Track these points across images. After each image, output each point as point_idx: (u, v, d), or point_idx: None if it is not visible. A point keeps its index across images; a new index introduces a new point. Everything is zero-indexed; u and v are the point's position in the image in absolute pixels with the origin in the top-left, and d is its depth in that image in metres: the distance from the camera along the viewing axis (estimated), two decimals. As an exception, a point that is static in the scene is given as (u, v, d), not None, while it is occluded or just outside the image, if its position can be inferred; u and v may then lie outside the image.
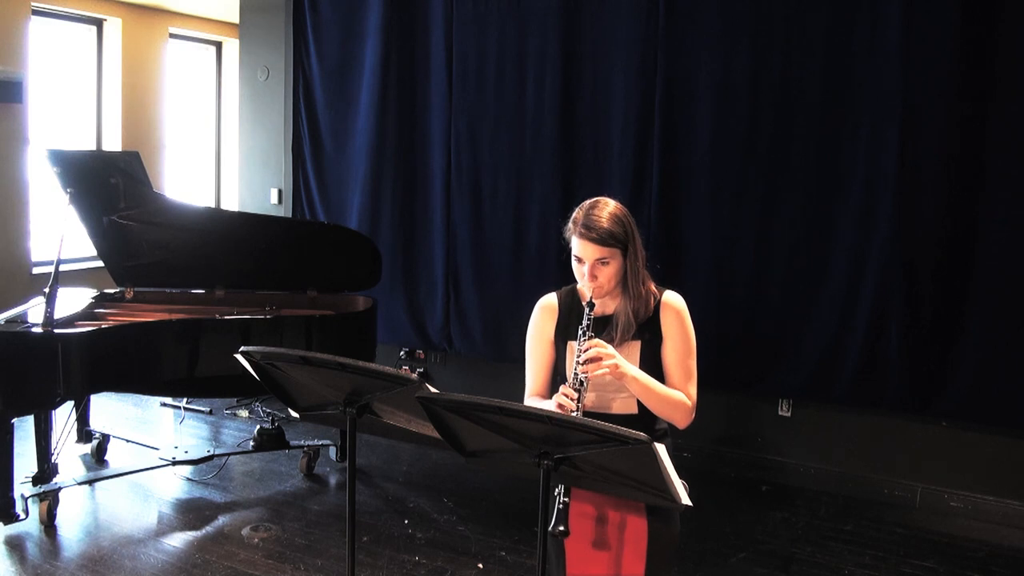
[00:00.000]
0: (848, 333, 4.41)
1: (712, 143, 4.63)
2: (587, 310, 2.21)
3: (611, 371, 2.12)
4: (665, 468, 1.74)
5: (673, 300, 2.28)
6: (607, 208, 2.24)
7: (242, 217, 5.08)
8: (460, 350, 5.52)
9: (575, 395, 2.12)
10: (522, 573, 3.66)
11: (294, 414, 2.43)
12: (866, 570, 3.79)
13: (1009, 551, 4.03)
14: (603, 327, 2.23)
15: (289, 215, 6.05)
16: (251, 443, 4.89)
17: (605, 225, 2.20)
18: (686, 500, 1.84)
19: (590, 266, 2.21)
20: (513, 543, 3.92)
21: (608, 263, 2.21)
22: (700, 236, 4.70)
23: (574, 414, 2.10)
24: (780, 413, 4.78)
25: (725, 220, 4.64)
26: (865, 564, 3.84)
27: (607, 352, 2.14)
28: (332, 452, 4.96)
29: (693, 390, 2.23)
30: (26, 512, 3.93)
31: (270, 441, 4.82)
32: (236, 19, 6.51)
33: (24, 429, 4.38)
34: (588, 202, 2.28)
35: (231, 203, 7.81)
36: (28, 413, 4.12)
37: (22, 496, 3.95)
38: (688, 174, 4.70)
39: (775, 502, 4.52)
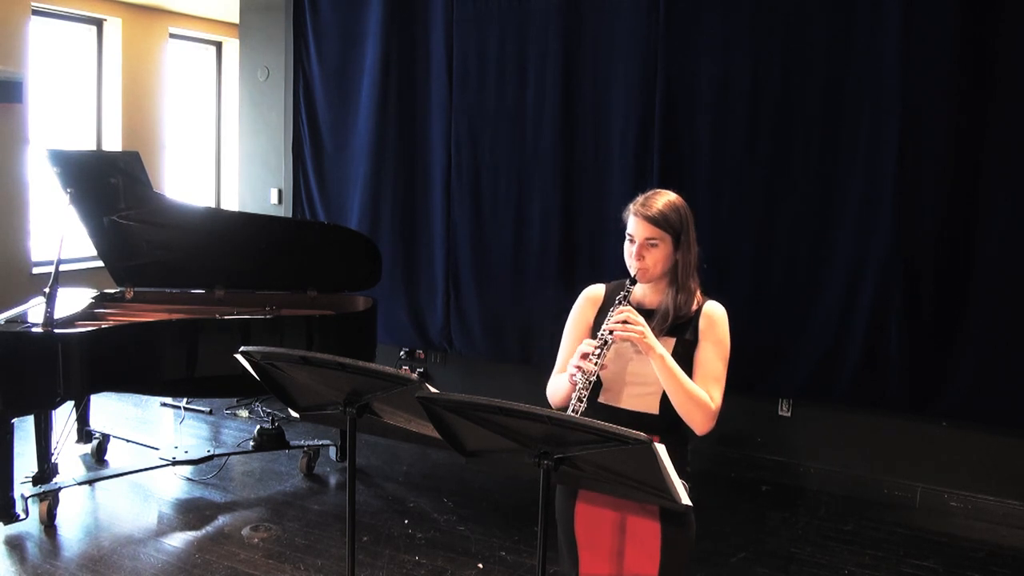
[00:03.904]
0: (848, 333, 4.41)
1: (712, 143, 4.63)
2: (628, 282, 2.23)
3: (638, 338, 2.12)
4: (665, 468, 1.74)
5: (715, 308, 2.28)
6: (667, 196, 2.28)
7: (242, 217, 5.09)
8: (460, 350, 5.52)
9: (597, 351, 2.12)
10: (522, 573, 3.66)
11: (294, 414, 2.43)
12: (866, 570, 3.79)
13: (1009, 551, 4.03)
14: (644, 319, 2.22)
15: (289, 215, 6.05)
16: (251, 443, 4.89)
17: (660, 208, 2.23)
18: (686, 500, 1.83)
19: (639, 246, 2.22)
20: (513, 543, 3.92)
21: (657, 245, 2.22)
22: (700, 235, 4.67)
23: (594, 365, 2.11)
24: (780, 413, 4.78)
25: (725, 220, 4.64)
26: (865, 564, 3.84)
27: (637, 319, 2.14)
28: (332, 452, 4.96)
29: (718, 396, 2.20)
30: (26, 512, 3.93)
31: (270, 441, 4.82)
32: (236, 19, 6.51)
33: (24, 429, 4.38)
34: (652, 190, 2.32)
35: (231, 203, 7.81)
36: (28, 413, 4.12)
37: (22, 496, 3.95)
38: (688, 174, 4.70)
39: (775, 502, 4.52)
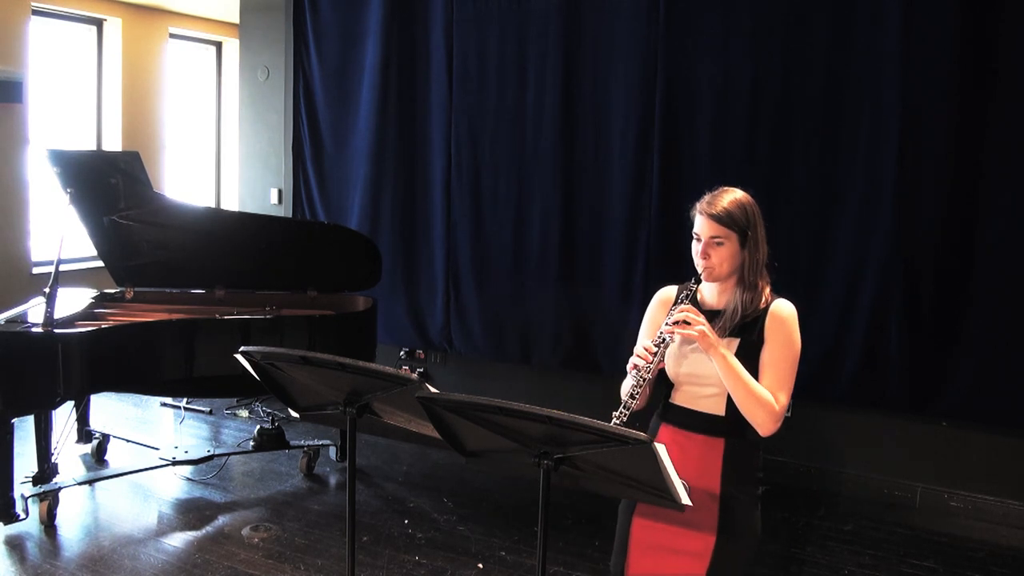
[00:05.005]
0: (848, 333, 4.41)
1: (712, 143, 4.63)
2: (693, 281, 2.24)
3: (698, 337, 2.11)
4: (665, 468, 1.74)
5: (783, 308, 2.24)
6: (733, 194, 2.28)
7: (242, 217, 5.08)
8: (460, 350, 5.52)
9: (654, 350, 2.14)
10: (522, 573, 3.66)
11: (294, 414, 2.43)
12: (866, 570, 3.79)
13: (1009, 551, 4.03)
14: (710, 320, 2.21)
15: (289, 215, 6.05)
16: (251, 443, 4.89)
17: (726, 206, 2.22)
18: (686, 500, 1.84)
19: (704, 244, 2.23)
20: (513, 543, 3.92)
21: (723, 244, 2.21)
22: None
23: (648, 367, 2.12)
24: (780, 413, 4.77)
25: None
26: (865, 564, 3.84)
27: (697, 318, 2.13)
28: (332, 452, 4.96)
29: (783, 398, 2.19)
30: (26, 512, 3.93)
31: (270, 441, 4.82)
32: (236, 19, 6.51)
33: (24, 429, 4.38)
34: (719, 188, 2.31)
35: (231, 203, 7.81)
36: (28, 413, 4.12)
37: (22, 496, 3.95)
38: (688, 174, 4.70)
39: (775, 502, 4.51)
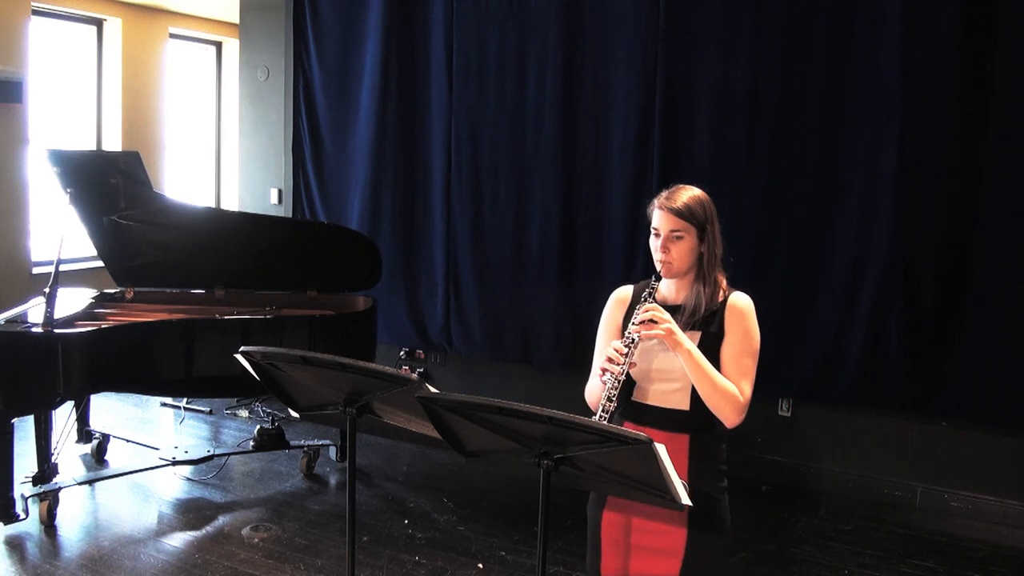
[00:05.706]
0: (848, 333, 4.41)
1: (712, 143, 4.63)
2: (653, 279, 2.25)
3: (665, 335, 2.13)
4: (665, 468, 1.74)
5: (741, 300, 2.28)
6: (690, 190, 2.32)
7: (242, 217, 5.09)
8: (460, 350, 5.52)
9: (625, 350, 2.14)
10: (522, 573, 3.66)
11: (294, 414, 2.43)
12: (866, 570, 3.79)
13: (1009, 551, 4.03)
14: (670, 314, 2.22)
15: (289, 215, 6.05)
16: (251, 443, 4.89)
17: (685, 200, 2.26)
18: (686, 500, 1.83)
19: (663, 239, 2.24)
20: (513, 543, 3.92)
21: (682, 238, 2.23)
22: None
23: (621, 368, 2.12)
24: (780, 413, 4.78)
25: (724, 220, 4.62)
26: (865, 564, 3.84)
27: (663, 316, 2.15)
28: (332, 452, 4.96)
29: (747, 389, 2.20)
30: (26, 512, 3.93)
31: (270, 441, 4.82)
32: (236, 19, 6.51)
33: (24, 429, 4.38)
34: (675, 186, 2.35)
35: (231, 203, 7.81)
36: (28, 413, 4.12)
37: (22, 496, 3.95)
38: (688, 174, 4.68)
39: (775, 502, 4.52)
